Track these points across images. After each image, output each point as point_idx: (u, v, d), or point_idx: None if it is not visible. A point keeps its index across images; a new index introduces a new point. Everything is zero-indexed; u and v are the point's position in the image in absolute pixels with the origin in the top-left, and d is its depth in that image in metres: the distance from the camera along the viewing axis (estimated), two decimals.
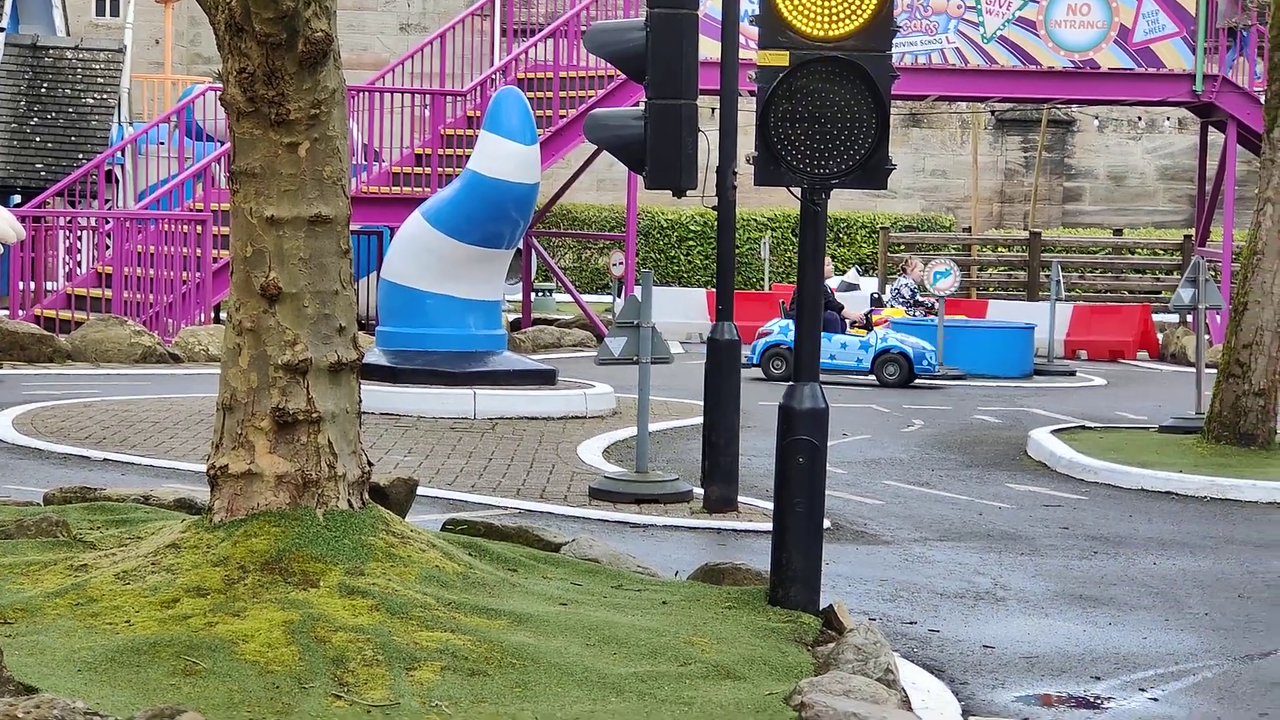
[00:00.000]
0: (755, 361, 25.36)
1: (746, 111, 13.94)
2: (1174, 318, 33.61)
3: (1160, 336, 32.61)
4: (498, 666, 7.86)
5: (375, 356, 19.75)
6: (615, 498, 14.41)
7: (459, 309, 20.03)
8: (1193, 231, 36.02)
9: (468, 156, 20.84)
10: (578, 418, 19.61)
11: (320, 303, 8.79)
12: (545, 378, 20.70)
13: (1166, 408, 21.85)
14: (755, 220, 43.74)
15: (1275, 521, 14.95)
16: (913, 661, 9.58)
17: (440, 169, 27.13)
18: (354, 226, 24.10)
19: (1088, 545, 13.46)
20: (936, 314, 27.21)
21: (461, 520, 10.80)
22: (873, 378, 25.32)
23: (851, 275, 39.02)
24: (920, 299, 28.58)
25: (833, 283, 35.30)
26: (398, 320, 20.18)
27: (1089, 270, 38.22)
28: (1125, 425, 20.64)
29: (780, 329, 25.55)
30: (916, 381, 25.54)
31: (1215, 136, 32.77)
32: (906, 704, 8.36)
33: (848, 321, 26.38)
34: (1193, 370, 21.43)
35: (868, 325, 26.11)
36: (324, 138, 8.78)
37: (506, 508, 13.94)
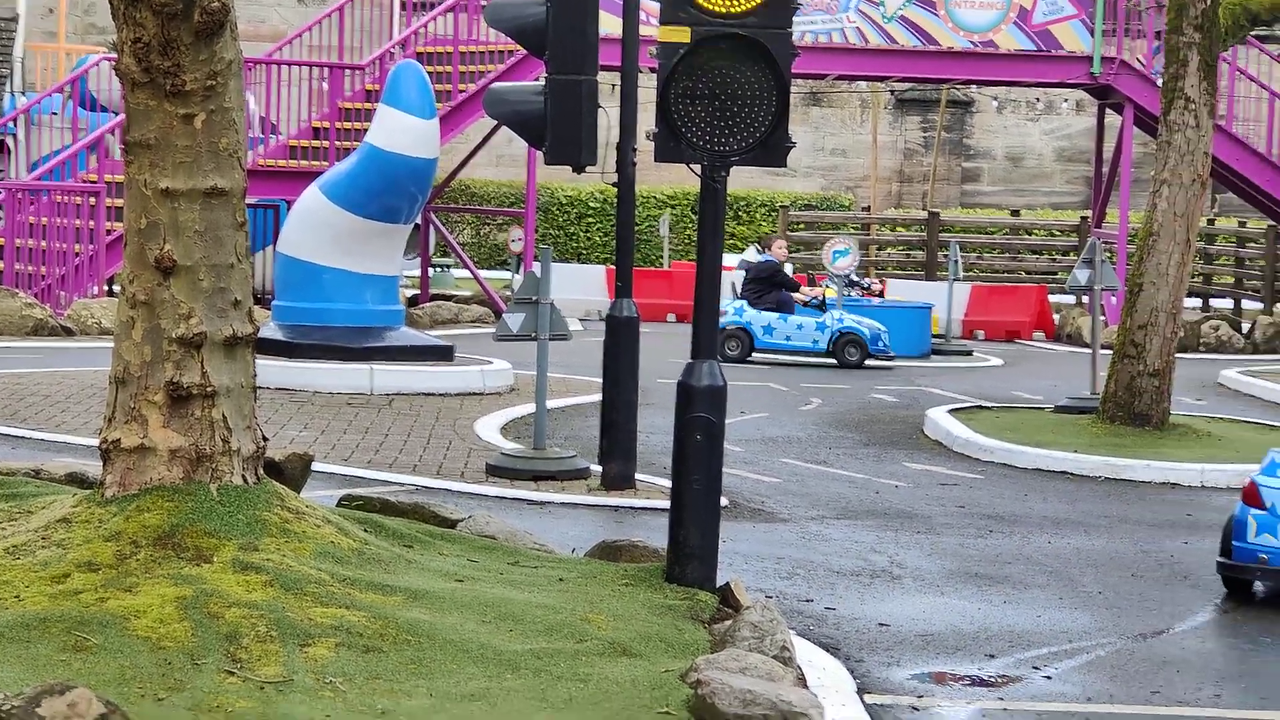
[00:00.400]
0: None
1: (647, 88, 13.91)
2: (1070, 299, 33.86)
3: (1056, 317, 32.82)
4: (393, 643, 7.81)
5: (271, 331, 19.59)
6: (512, 474, 14.36)
7: (356, 284, 19.90)
8: (1089, 213, 36.28)
9: (366, 130, 20.69)
10: (475, 394, 19.54)
11: (215, 276, 8.70)
12: (443, 354, 20.61)
13: (1062, 388, 22.00)
14: (655, 197, 43.71)
15: (1168, 501, 15.09)
16: (809, 639, 9.60)
17: (338, 143, 26.93)
18: (250, 200, 23.87)
19: (983, 524, 13.54)
20: (873, 294, 27.26)
21: (357, 496, 10.72)
22: (830, 359, 25.26)
23: (750, 253, 39.08)
24: (854, 279, 28.51)
25: (730, 260, 35.34)
26: (294, 294, 20.03)
27: (986, 250, 38.43)
28: (1021, 405, 20.77)
29: (734, 310, 25.45)
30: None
31: (1112, 118, 32.99)
32: (802, 681, 8.37)
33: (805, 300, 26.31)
34: (1088, 351, 21.59)
35: (822, 306, 26.14)
36: (220, 109, 8.68)
37: (403, 484, 13.87)
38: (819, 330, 25.47)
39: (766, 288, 25.80)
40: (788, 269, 27.59)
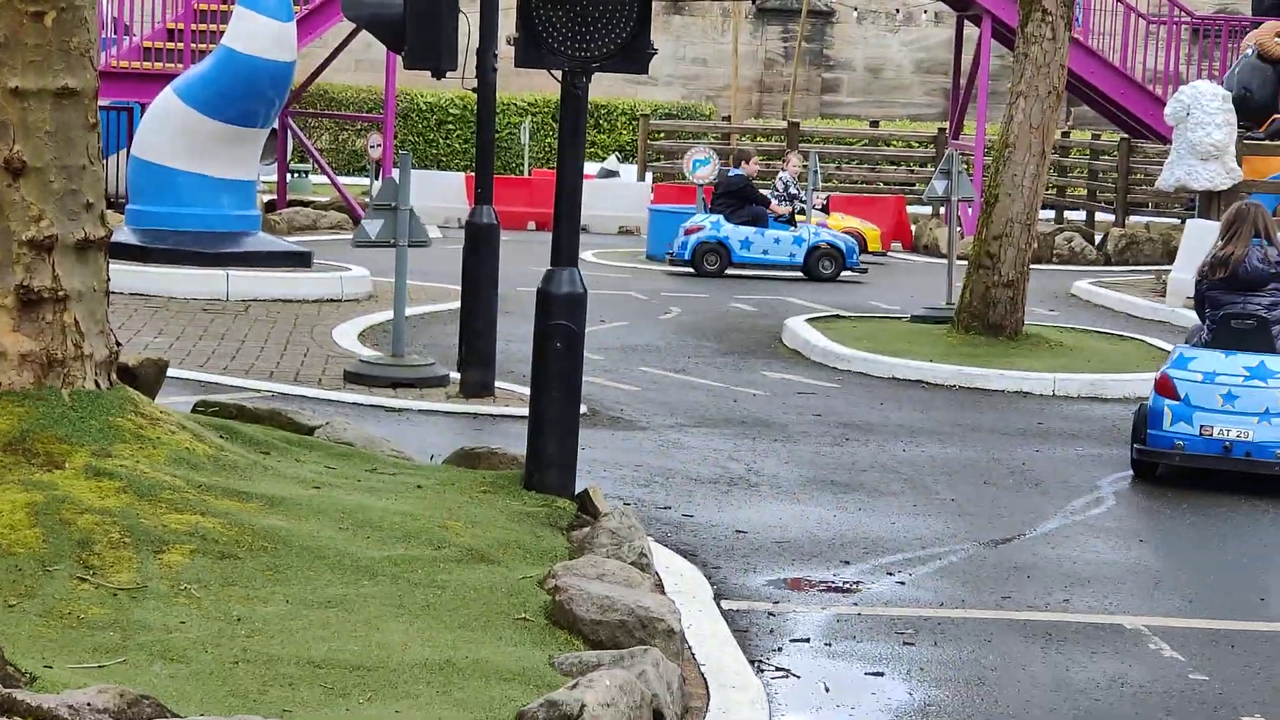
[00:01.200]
0: (685, 257, 25.35)
1: None
2: (927, 209, 34.09)
3: (914, 228, 33.06)
4: (248, 550, 7.77)
5: (125, 235, 19.34)
6: (371, 382, 14.30)
7: (212, 188, 19.67)
8: (947, 125, 36.49)
9: (223, 33, 20.40)
10: (333, 301, 19.41)
11: (67, 178, 8.55)
12: (300, 260, 20.44)
13: (919, 298, 22.19)
14: (516, 105, 43.49)
15: (1020, 410, 15.28)
16: (666, 546, 9.66)
17: (194, 45, 26.54)
18: (103, 102, 23.39)
19: (840, 432, 13.65)
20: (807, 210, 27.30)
21: (213, 403, 10.63)
22: (800, 273, 25.32)
23: (611, 162, 38.99)
24: (791, 193, 28.43)
25: (591, 169, 35.26)
26: (148, 199, 19.77)
27: (846, 161, 38.58)
28: (878, 315, 20.92)
29: (711, 224, 25.50)
30: (678, 268, 25.63)
31: (971, 30, 33.17)
32: (660, 587, 8.42)
33: (773, 216, 26.37)
34: (945, 261, 21.78)
35: (791, 220, 26.22)
36: (71, 7, 8.51)
37: (260, 391, 13.77)
38: (796, 244, 25.53)
39: (739, 202, 25.87)
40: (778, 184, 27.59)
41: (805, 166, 26.82)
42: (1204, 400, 12.20)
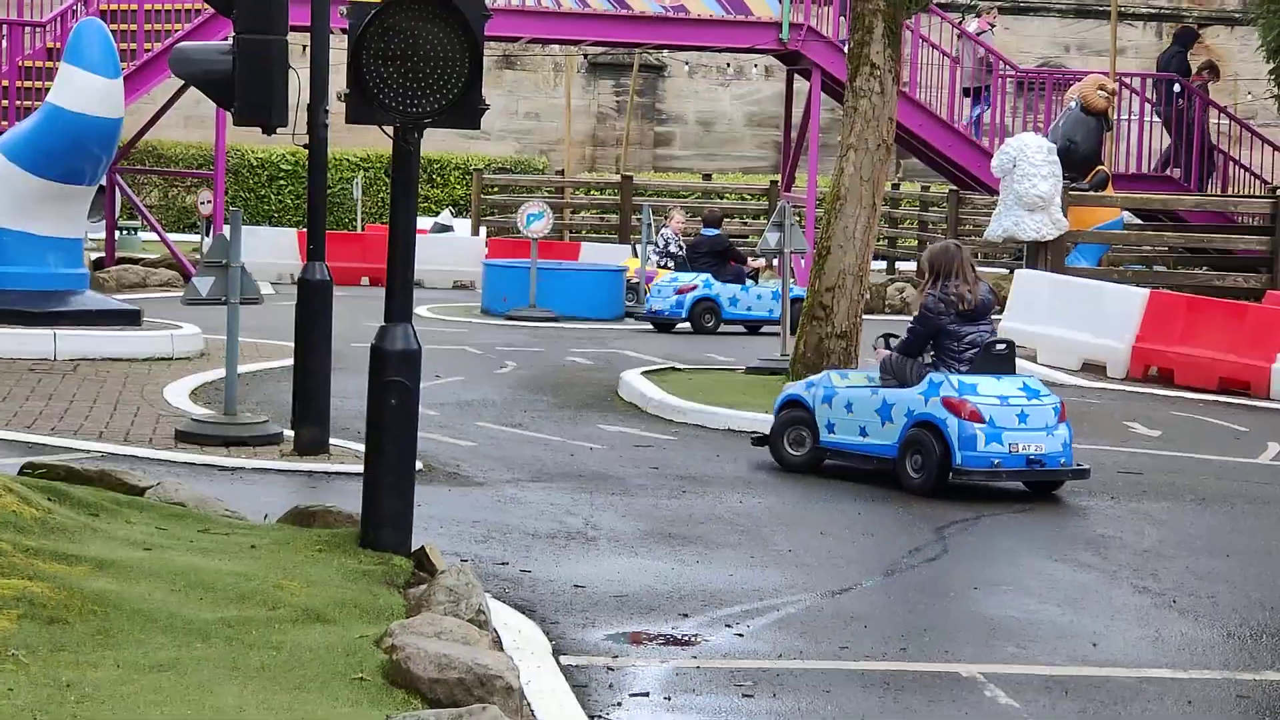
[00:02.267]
0: (684, 315, 26.20)
1: (339, 49, 13.73)
2: (760, 261, 34.33)
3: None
4: (78, 614, 7.63)
5: None
6: (203, 440, 14.14)
7: (38, 247, 19.39)
8: (779, 177, 36.78)
9: (48, 90, 20.14)
10: (164, 359, 19.18)
11: None
12: (130, 318, 20.19)
13: (753, 349, 22.31)
14: (348, 160, 43.28)
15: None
16: (505, 602, 9.61)
17: (18, 102, 26.17)
18: None
19: (677, 485, 13.67)
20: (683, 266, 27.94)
21: (40, 464, 10.44)
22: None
23: (444, 216, 38.93)
24: (672, 250, 28.74)
25: (425, 224, 35.17)
26: None
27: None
28: (714, 367, 21.01)
29: (703, 283, 26.33)
30: (523, 323, 25.73)
31: (801, 84, 33.47)
32: (498, 644, 8.38)
33: (752, 272, 27.47)
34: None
35: (754, 277, 27.17)
36: None
37: (89, 451, 13.56)
38: (774, 299, 25.81)
39: (720, 261, 26.85)
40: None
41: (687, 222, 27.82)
42: (1006, 421, 13.46)
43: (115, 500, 9.74)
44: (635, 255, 29.82)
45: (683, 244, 28.61)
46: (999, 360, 13.76)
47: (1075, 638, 9.59)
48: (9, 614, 7.49)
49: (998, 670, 8.86)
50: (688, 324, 26.22)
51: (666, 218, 30.44)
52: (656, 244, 29.24)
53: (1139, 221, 30.03)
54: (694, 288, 26.52)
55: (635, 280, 28.48)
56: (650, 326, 26.43)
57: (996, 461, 13.43)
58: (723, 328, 26.21)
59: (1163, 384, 21.42)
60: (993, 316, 13.89)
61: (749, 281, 26.94)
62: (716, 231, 27.43)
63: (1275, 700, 8.57)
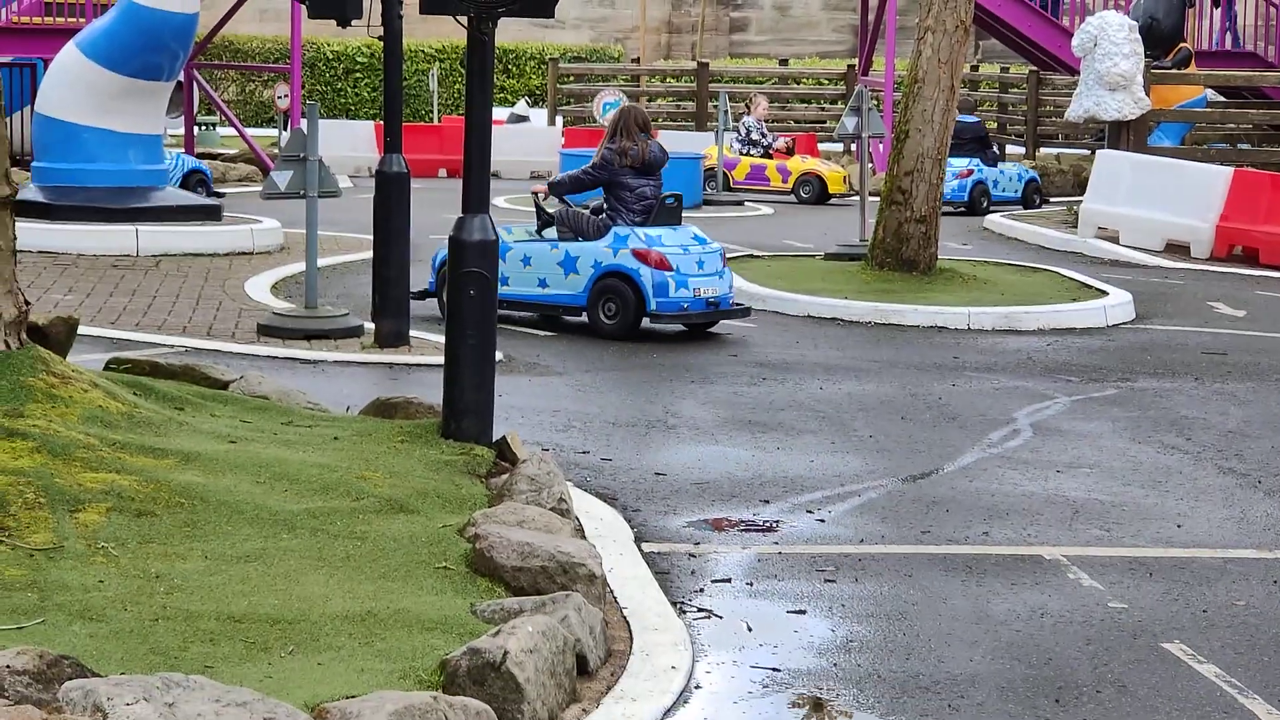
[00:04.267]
0: (965, 199, 27.29)
1: None
2: (839, 146, 34.13)
3: None
4: (165, 506, 7.71)
5: (31, 193, 19.11)
6: (284, 334, 14.21)
7: (118, 143, 19.45)
8: (856, 61, 36.52)
9: None
10: (244, 254, 19.27)
11: None
12: (210, 213, 20.27)
13: (832, 235, 22.23)
14: (424, 51, 43.23)
15: (936, 345, 15.34)
16: (586, 490, 9.65)
17: None
18: (5, 59, 23.13)
19: (756, 372, 13.66)
20: (781, 152, 28.29)
21: (125, 359, 10.53)
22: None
23: (521, 107, 38.84)
24: (753, 139, 28.84)
25: (501, 114, 35.10)
26: (54, 155, 19.52)
27: None
28: (792, 253, 20.94)
29: (976, 167, 27.30)
30: None
31: None
32: (580, 532, 8.42)
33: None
34: (857, 198, 21.80)
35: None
36: None
37: (172, 346, 13.66)
38: (1020, 180, 27.82)
39: (982, 146, 27.93)
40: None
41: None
42: (689, 268, 14.84)
43: (199, 394, 9.82)
44: (716, 142, 29.72)
45: (765, 131, 28.55)
46: (671, 212, 15.06)
47: (1159, 519, 9.56)
48: (97, 507, 7.58)
49: (1081, 553, 8.84)
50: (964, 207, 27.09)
51: (749, 105, 30.29)
52: (738, 131, 29.16)
53: (1222, 99, 29.67)
54: (970, 172, 27.45)
55: (714, 167, 28.48)
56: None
57: (685, 305, 14.76)
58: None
59: (1247, 263, 21.24)
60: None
61: (1003, 164, 27.94)
62: (976, 119, 27.69)
63: None
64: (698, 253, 14.96)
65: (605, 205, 15.00)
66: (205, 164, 26.18)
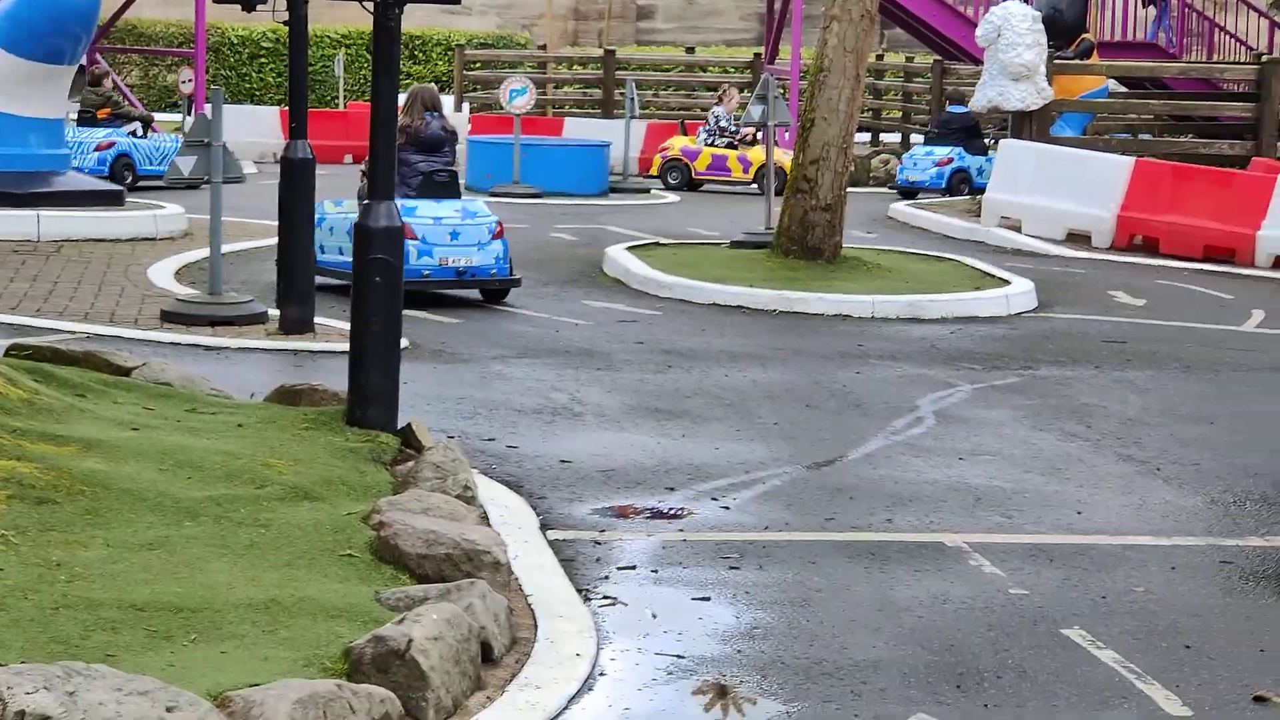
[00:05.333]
0: (943, 186, 28.12)
1: None
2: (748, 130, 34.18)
3: None
4: (67, 494, 7.65)
5: None
6: (188, 320, 14.13)
7: (20, 127, 19.28)
8: (763, 49, 36.61)
9: None
10: (148, 239, 19.14)
11: None
12: (113, 198, 20.11)
13: (737, 223, 22.28)
14: (329, 36, 43.01)
15: (840, 333, 15.42)
16: (492, 478, 9.65)
17: None
18: None
19: (662, 359, 13.69)
20: (743, 143, 28.51)
21: (26, 345, 10.44)
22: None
23: None
24: (721, 128, 28.95)
25: None
26: None
27: (662, 88, 38.62)
28: (698, 241, 20.99)
29: (957, 155, 28.19)
30: (507, 200, 25.71)
31: None
32: (485, 520, 8.41)
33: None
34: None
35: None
36: None
37: (75, 332, 13.55)
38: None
39: (972, 135, 28.55)
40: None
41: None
42: (438, 239, 15.66)
43: (102, 381, 9.75)
44: (683, 133, 29.89)
45: (733, 121, 28.76)
46: (440, 186, 16.02)
47: (1060, 506, 9.65)
48: None
49: (982, 539, 8.92)
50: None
51: (721, 97, 30.36)
52: (707, 122, 29.37)
53: (1124, 89, 29.93)
54: (950, 160, 28.18)
55: (677, 158, 28.69)
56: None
57: (426, 273, 15.55)
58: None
59: (1147, 253, 21.46)
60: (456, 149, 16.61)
61: (990, 152, 28.04)
62: (966, 109, 27.84)
63: (1257, 565, 8.64)
64: (454, 225, 15.80)
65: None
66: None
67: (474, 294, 16.25)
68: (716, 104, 29.96)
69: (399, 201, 15.20)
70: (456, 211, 15.95)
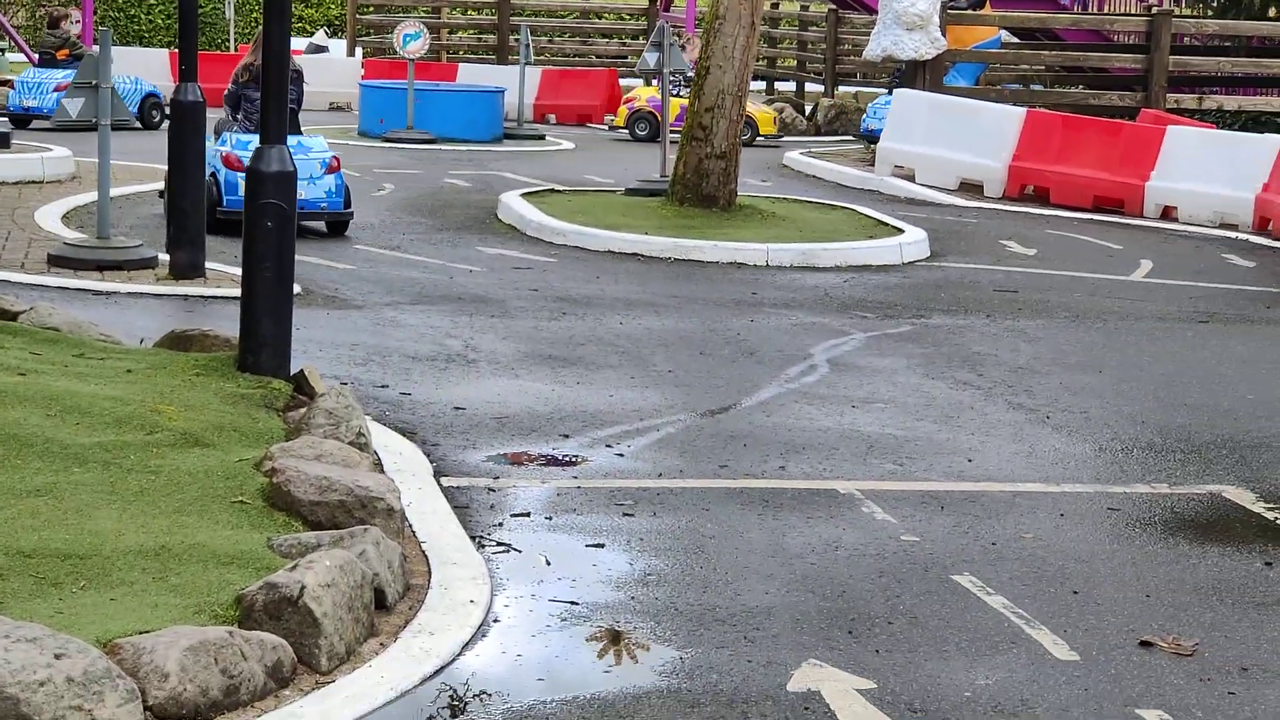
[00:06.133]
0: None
1: None
2: (640, 81, 34.16)
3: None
4: None
5: None
6: (76, 265, 13.96)
7: None
8: None
9: None
10: (35, 182, 18.88)
11: None
12: None
13: (633, 171, 22.26)
14: None
15: (734, 280, 15.44)
16: (385, 425, 9.61)
17: None
18: None
19: (557, 307, 13.67)
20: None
21: None
22: None
23: (319, 37, 38.40)
24: (690, 77, 28.75)
25: (299, 44, 34.68)
26: None
27: (558, 34, 38.47)
28: (593, 189, 20.94)
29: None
30: (400, 145, 25.60)
31: None
32: (379, 467, 8.38)
33: None
34: (788, 137, 21.82)
35: None
36: None
37: None
38: None
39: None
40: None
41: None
42: None
43: None
44: (648, 84, 29.75)
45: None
46: None
47: (951, 454, 9.72)
48: None
49: (875, 486, 8.97)
50: None
51: (684, 45, 30.25)
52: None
53: (1016, 40, 30.09)
54: (634, 100, 28.64)
55: (647, 109, 28.53)
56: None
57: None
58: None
59: (1039, 203, 21.61)
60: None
61: None
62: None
63: (1144, 512, 8.74)
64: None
65: (236, 116, 17.00)
66: (157, 87, 26.87)
67: (320, 226, 16.62)
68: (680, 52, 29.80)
69: (236, 135, 15.90)
70: (291, 147, 16.20)
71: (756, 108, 29.48)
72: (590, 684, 6.26)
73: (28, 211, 16.79)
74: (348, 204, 16.76)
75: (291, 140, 16.31)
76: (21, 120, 24.82)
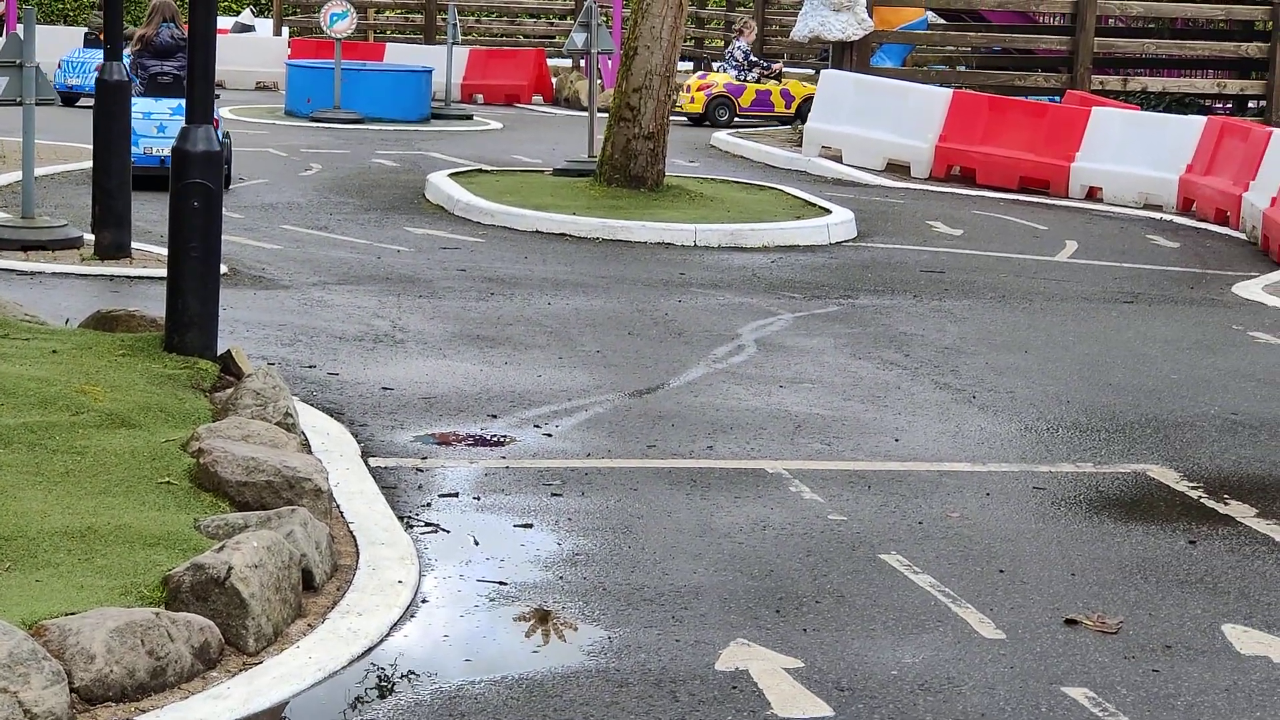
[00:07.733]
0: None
1: None
2: (568, 62, 34.11)
3: (555, 80, 33.07)
4: None
5: None
6: (0, 244, 13.85)
7: None
8: None
9: None
10: None
11: None
12: None
13: (561, 151, 22.24)
14: None
15: (662, 261, 15.45)
16: (313, 405, 9.58)
17: None
18: None
19: (485, 287, 13.65)
20: (772, 76, 28.63)
21: None
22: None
23: (246, 16, 38.19)
24: (752, 61, 28.78)
25: (225, 23, 34.49)
26: None
27: (485, 14, 38.37)
28: (521, 169, 20.92)
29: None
30: (327, 125, 25.48)
31: None
32: (306, 447, 8.36)
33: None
34: (586, 114, 21.83)
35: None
36: None
37: None
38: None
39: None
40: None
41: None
42: (145, 130, 17.42)
43: None
44: (716, 70, 29.89)
45: (751, 54, 29.16)
46: (162, 87, 17.90)
47: (878, 434, 9.76)
48: None
49: (802, 466, 9.00)
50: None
51: (740, 29, 30.25)
52: (735, 58, 29.26)
53: (942, 21, 30.20)
54: (711, 85, 28.83)
55: (723, 94, 28.56)
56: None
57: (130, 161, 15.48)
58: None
59: (965, 183, 21.71)
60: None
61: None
62: None
63: (1069, 491, 8.80)
64: (163, 120, 17.67)
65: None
66: None
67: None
68: (737, 37, 29.85)
69: (134, 100, 16.07)
70: (170, 109, 17.67)
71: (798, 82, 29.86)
72: (519, 664, 6.27)
73: None
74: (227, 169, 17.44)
75: (173, 104, 17.25)
76: (69, 99, 25.48)
